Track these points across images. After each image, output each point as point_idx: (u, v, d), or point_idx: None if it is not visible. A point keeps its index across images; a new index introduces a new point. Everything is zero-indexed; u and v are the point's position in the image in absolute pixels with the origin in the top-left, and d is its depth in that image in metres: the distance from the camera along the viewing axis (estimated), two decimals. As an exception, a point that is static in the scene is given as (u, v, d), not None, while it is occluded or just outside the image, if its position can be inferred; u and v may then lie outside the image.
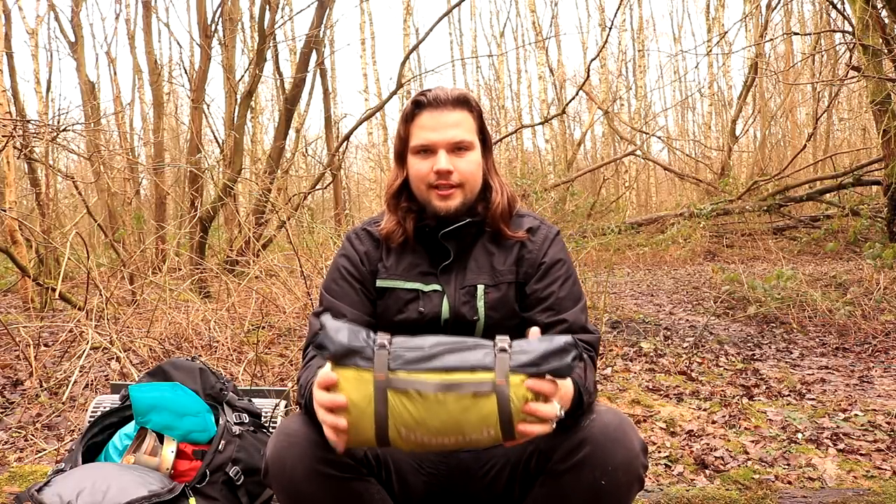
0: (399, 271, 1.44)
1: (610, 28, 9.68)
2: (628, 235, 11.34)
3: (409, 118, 1.43)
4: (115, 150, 9.54)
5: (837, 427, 2.79)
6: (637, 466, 1.16)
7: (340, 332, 1.04)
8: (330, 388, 1.03)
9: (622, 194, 15.97)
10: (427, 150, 1.40)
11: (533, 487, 1.25)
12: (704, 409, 3.09)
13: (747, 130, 17.56)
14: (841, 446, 2.57)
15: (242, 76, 8.48)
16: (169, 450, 1.53)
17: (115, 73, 19.10)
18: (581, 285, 1.49)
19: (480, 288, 1.41)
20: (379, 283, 1.45)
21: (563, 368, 1.02)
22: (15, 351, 3.90)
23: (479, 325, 1.40)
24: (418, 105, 1.41)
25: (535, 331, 1.14)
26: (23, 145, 5.42)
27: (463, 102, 1.41)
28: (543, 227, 1.49)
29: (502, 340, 1.05)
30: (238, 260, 5.52)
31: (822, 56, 13.35)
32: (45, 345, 4.09)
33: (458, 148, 1.39)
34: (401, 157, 1.47)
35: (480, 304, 1.40)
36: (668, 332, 4.91)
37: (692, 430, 2.80)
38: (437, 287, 1.42)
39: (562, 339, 1.03)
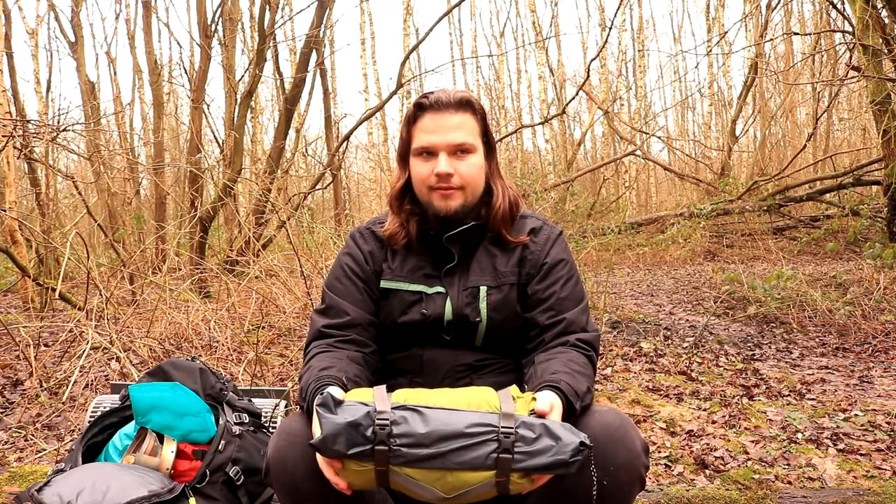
0: (403, 273, 1.45)
1: (610, 28, 9.68)
2: (628, 235, 11.33)
3: (411, 121, 1.43)
4: (115, 150, 9.53)
5: (837, 427, 2.79)
6: (638, 467, 1.16)
7: (339, 438, 1.04)
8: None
9: (622, 194, 15.96)
10: (428, 153, 1.40)
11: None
12: (704, 409, 3.09)
13: (747, 130, 17.57)
14: (841, 446, 2.57)
15: (242, 76, 8.48)
16: (169, 450, 1.53)
17: (115, 73, 19.13)
18: (583, 285, 1.49)
19: (483, 289, 1.41)
20: (383, 284, 1.45)
21: (565, 473, 1.05)
22: (15, 351, 3.90)
23: (481, 327, 1.40)
24: (420, 107, 1.41)
25: (544, 402, 1.13)
26: (23, 145, 5.41)
27: (465, 105, 1.41)
28: (546, 227, 1.49)
29: (506, 430, 1.04)
30: (238, 260, 5.51)
31: (822, 56, 13.34)
32: (45, 345, 4.09)
33: (459, 151, 1.39)
34: (403, 160, 1.47)
35: (483, 305, 1.40)
36: (668, 332, 4.91)
37: (692, 430, 2.80)
38: (441, 289, 1.42)
39: (569, 447, 1.03)
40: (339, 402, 1.07)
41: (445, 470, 1.03)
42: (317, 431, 1.07)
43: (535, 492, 1.12)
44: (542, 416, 1.10)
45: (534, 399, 1.14)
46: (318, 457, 1.09)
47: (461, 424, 1.04)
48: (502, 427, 1.04)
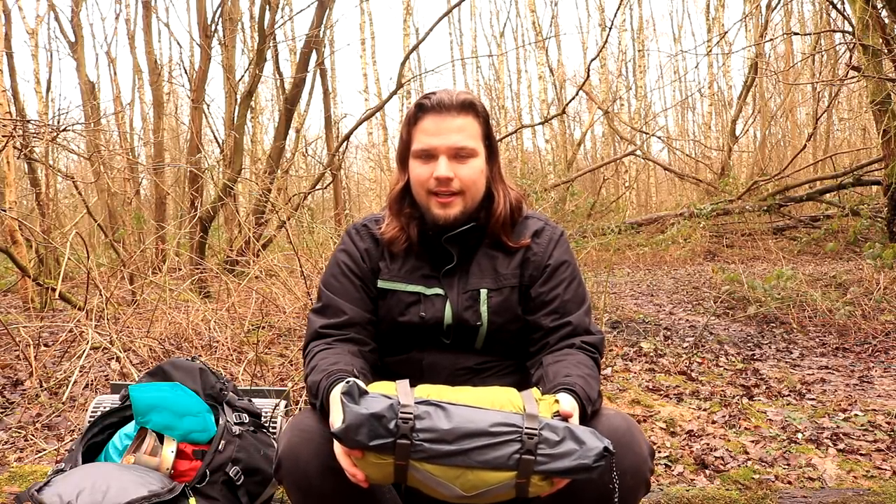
0: (401, 273, 1.42)
1: (610, 28, 9.68)
2: (628, 235, 11.33)
3: (411, 121, 1.40)
4: (115, 150, 9.54)
5: (837, 427, 2.79)
6: (644, 471, 1.17)
7: (362, 428, 1.02)
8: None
9: (622, 194, 15.96)
10: (428, 155, 1.37)
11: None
12: (704, 409, 3.09)
13: (747, 130, 17.58)
14: (841, 446, 2.56)
15: (242, 76, 8.48)
16: (169, 450, 1.53)
17: (115, 73, 19.20)
18: (585, 285, 1.48)
19: (483, 292, 1.39)
20: (380, 283, 1.43)
21: (587, 478, 1.04)
22: (15, 351, 3.90)
23: (481, 330, 1.38)
24: (421, 108, 1.38)
25: (566, 404, 1.12)
26: (23, 145, 5.41)
27: (468, 107, 1.38)
28: (548, 228, 1.47)
29: (530, 431, 1.03)
30: (238, 260, 5.51)
31: (822, 56, 13.35)
32: (45, 345, 4.09)
33: (459, 154, 1.36)
34: (403, 161, 1.44)
35: (483, 308, 1.39)
36: (668, 332, 4.91)
37: (692, 430, 2.80)
38: (440, 291, 1.40)
39: (593, 452, 1.02)
40: (363, 392, 1.05)
41: (466, 468, 1.02)
42: (338, 420, 1.05)
43: (552, 494, 1.12)
44: (566, 417, 1.10)
45: (556, 401, 1.13)
46: (337, 446, 1.08)
47: (485, 423, 1.03)
48: (526, 428, 1.03)
